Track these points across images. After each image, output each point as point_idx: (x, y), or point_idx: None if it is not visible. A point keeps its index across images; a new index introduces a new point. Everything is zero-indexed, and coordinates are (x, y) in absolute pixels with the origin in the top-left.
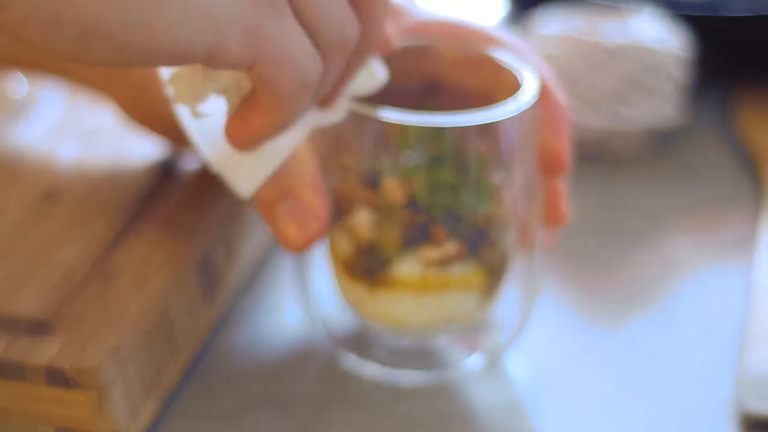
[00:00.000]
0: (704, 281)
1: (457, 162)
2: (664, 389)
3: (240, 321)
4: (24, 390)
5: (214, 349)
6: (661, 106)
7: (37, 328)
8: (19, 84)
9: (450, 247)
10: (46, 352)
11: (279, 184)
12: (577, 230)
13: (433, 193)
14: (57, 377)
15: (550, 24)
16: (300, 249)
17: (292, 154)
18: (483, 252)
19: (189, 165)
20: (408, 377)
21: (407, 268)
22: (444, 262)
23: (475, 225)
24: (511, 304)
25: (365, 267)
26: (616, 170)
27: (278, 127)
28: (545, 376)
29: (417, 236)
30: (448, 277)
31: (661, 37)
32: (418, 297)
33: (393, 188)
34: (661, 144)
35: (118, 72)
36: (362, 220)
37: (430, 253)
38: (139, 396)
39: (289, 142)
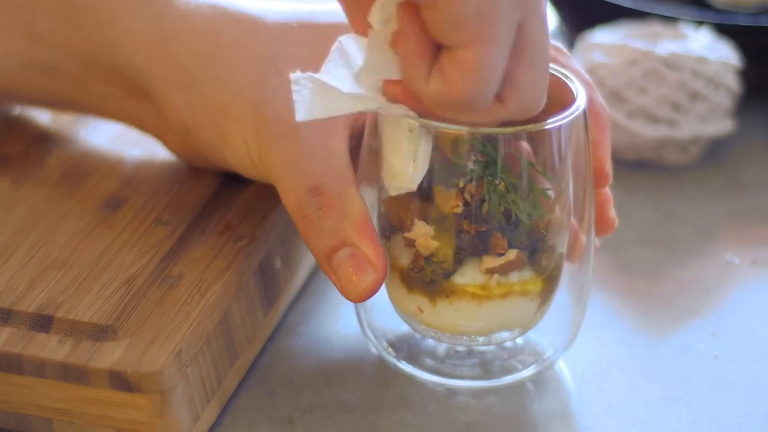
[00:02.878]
0: (754, 292)
1: (509, 170)
2: (713, 399)
3: (296, 326)
4: (87, 393)
5: (272, 353)
6: (714, 114)
7: (100, 333)
8: None
9: (511, 255)
10: (108, 356)
11: (333, 235)
12: (628, 240)
13: (490, 202)
14: (119, 381)
15: (605, 34)
16: (359, 299)
17: (345, 200)
18: (541, 258)
19: None
20: (460, 384)
21: (468, 277)
22: (505, 270)
23: (533, 232)
24: (564, 311)
25: (427, 278)
26: (667, 179)
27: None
28: (595, 384)
29: (477, 245)
30: (509, 285)
31: (714, 47)
32: (479, 305)
33: (449, 199)
34: (711, 153)
35: (165, 117)
36: (422, 232)
37: (492, 261)
38: (199, 400)
39: (356, 105)
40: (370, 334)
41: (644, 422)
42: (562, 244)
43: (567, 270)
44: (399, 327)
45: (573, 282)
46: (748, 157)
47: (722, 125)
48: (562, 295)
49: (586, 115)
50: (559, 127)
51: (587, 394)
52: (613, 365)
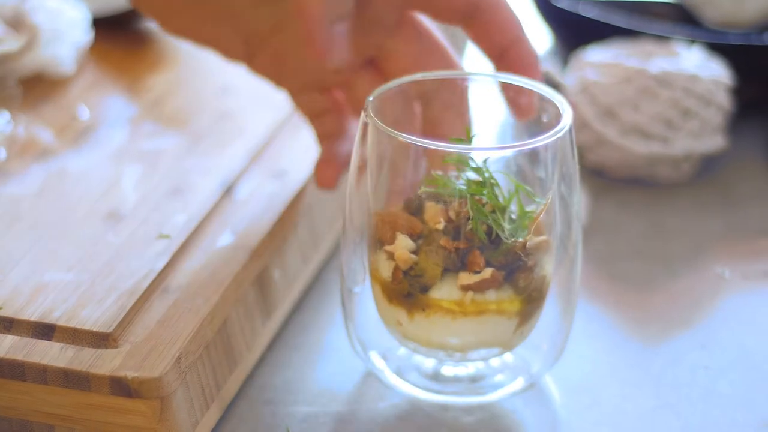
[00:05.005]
0: (744, 304)
1: (496, 190)
2: (703, 408)
3: (294, 338)
4: (88, 399)
5: (270, 364)
6: (706, 132)
7: (101, 340)
8: (82, 109)
9: (486, 273)
10: (109, 363)
11: None
12: (622, 253)
13: (473, 220)
14: (120, 387)
15: (598, 52)
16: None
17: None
18: (519, 279)
19: (248, 188)
20: (451, 399)
21: (444, 292)
22: (480, 288)
23: (512, 252)
24: (552, 326)
25: (404, 291)
26: (660, 195)
27: None
28: (588, 393)
29: (456, 262)
30: (485, 303)
31: (706, 66)
32: (453, 321)
33: (434, 215)
34: (703, 170)
35: None
36: (402, 245)
37: (467, 279)
38: (198, 406)
39: None
40: (358, 348)
41: (636, 430)
42: (545, 266)
43: (555, 285)
44: (389, 342)
45: (560, 297)
46: (739, 174)
47: (714, 142)
48: (550, 310)
49: (573, 133)
50: (546, 145)
51: (580, 404)
52: (605, 375)
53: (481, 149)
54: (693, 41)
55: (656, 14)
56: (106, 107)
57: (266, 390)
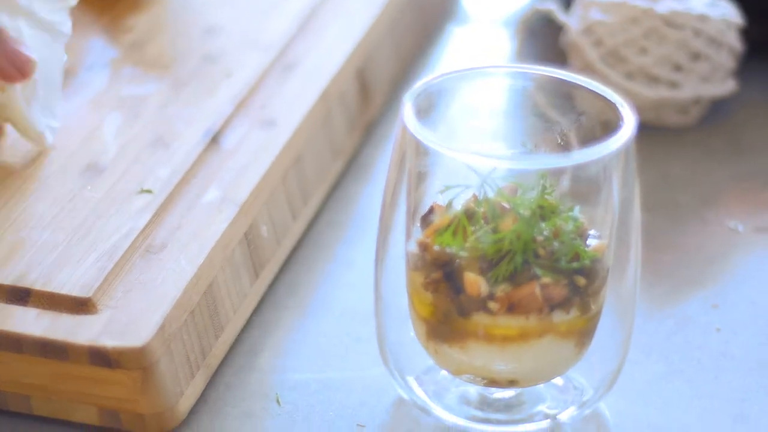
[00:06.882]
0: (758, 260)
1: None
2: (715, 374)
3: (283, 298)
4: (66, 370)
5: (258, 327)
6: (716, 75)
7: (79, 306)
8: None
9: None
10: (88, 331)
11: None
12: None
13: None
14: (100, 357)
15: None
16: None
17: None
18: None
19: (234, 137)
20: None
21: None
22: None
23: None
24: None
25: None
26: (667, 141)
27: None
28: (594, 358)
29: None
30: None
31: (715, 4)
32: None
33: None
34: (711, 114)
35: None
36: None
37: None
38: (183, 375)
39: None
40: (395, 373)
41: (644, 398)
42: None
43: (610, 313)
44: (426, 363)
45: (615, 331)
46: (750, 119)
47: (724, 86)
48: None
49: (633, 141)
50: (604, 157)
51: (584, 370)
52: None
53: (533, 163)
54: None
55: None
56: (84, 50)
57: (254, 356)
